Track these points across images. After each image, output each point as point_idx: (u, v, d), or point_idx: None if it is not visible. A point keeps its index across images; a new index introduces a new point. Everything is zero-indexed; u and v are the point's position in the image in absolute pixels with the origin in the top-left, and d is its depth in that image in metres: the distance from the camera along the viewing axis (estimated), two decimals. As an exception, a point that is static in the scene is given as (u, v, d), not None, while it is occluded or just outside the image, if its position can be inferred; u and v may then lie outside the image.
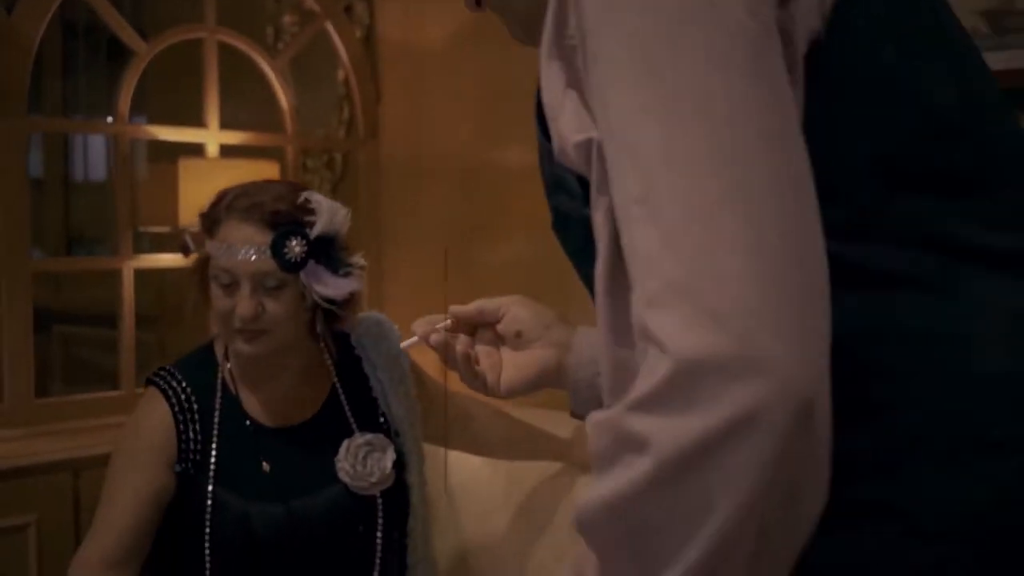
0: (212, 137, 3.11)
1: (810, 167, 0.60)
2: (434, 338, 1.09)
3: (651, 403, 0.56)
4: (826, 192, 0.61)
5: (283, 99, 3.26)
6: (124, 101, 2.88)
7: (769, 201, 0.56)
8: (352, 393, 1.66)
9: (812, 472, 0.57)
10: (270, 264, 1.56)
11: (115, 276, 2.96)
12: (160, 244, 3.43)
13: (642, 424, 0.57)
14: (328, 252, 1.58)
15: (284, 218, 1.58)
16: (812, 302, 0.57)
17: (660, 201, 0.57)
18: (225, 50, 3.11)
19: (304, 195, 1.63)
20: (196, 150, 3.08)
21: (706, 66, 0.58)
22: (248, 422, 1.64)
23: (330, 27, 3.26)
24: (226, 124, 3.11)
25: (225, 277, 1.58)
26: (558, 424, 1.85)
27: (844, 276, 0.62)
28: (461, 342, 1.10)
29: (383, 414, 1.71)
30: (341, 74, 3.33)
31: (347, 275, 1.60)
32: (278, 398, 1.68)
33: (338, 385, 1.69)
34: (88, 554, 1.63)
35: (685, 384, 0.54)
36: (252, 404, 1.67)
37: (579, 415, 1.13)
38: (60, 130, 2.63)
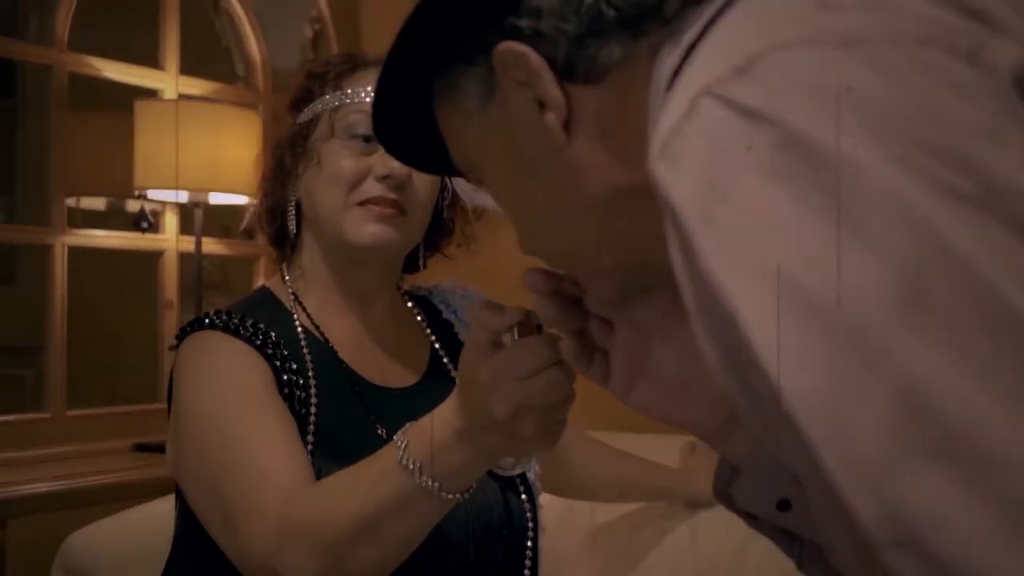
0: (170, 82, 2.44)
1: None
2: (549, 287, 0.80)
3: None
4: None
5: (253, 45, 2.62)
6: (63, 22, 2.19)
7: None
8: (456, 360, 1.31)
9: None
10: None
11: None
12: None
13: None
14: None
15: None
16: None
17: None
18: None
19: None
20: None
21: None
22: (345, 369, 1.28)
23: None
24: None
25: (364, 126, 1.25)
26: (658, 450, 1.58)
27: None
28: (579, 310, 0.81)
29: None
30: (314, 11, 2.73)
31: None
32: (373, 350, 1.36)
33: (439, 349, 1.40)
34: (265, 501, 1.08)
35: None
36: (347, 353, 1.31)
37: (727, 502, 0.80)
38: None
